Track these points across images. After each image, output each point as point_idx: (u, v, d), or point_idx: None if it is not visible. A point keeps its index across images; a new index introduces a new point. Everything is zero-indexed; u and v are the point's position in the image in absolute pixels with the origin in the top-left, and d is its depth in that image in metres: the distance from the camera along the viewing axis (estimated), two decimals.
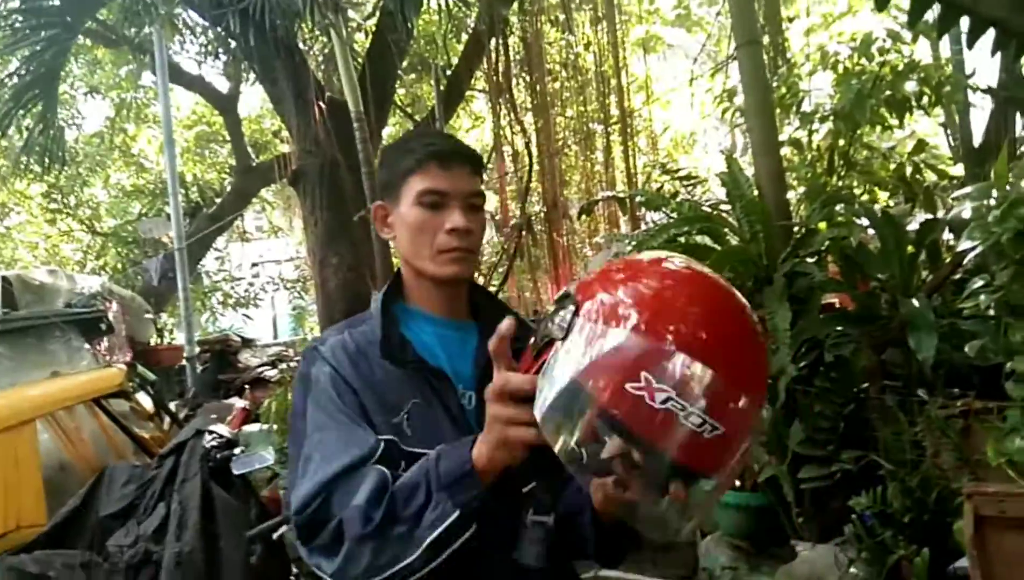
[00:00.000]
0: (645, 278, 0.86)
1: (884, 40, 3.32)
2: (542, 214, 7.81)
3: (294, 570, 3.44)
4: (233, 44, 7.23)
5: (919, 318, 2.46)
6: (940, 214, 3.18)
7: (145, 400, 5.06)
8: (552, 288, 7.35)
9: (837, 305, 3.46)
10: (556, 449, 0.82)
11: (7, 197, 13.03)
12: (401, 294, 1.31)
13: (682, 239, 3.16)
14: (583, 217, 6.50)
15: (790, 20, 5.98)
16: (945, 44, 4.22)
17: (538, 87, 7.98)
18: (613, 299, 0.83)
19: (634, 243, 3.20)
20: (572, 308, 0.85)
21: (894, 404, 2.58)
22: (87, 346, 6.02)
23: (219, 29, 6.89)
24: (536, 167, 7.38)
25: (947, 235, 2.99)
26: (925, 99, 3.28)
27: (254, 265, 14.11)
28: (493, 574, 1.12)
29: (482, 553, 1.06)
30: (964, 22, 2.19)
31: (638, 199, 3.62)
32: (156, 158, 12.82)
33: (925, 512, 2.26)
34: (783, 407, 2.72)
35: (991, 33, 2.15)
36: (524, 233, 7.19)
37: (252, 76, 9.20)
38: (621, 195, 3.98)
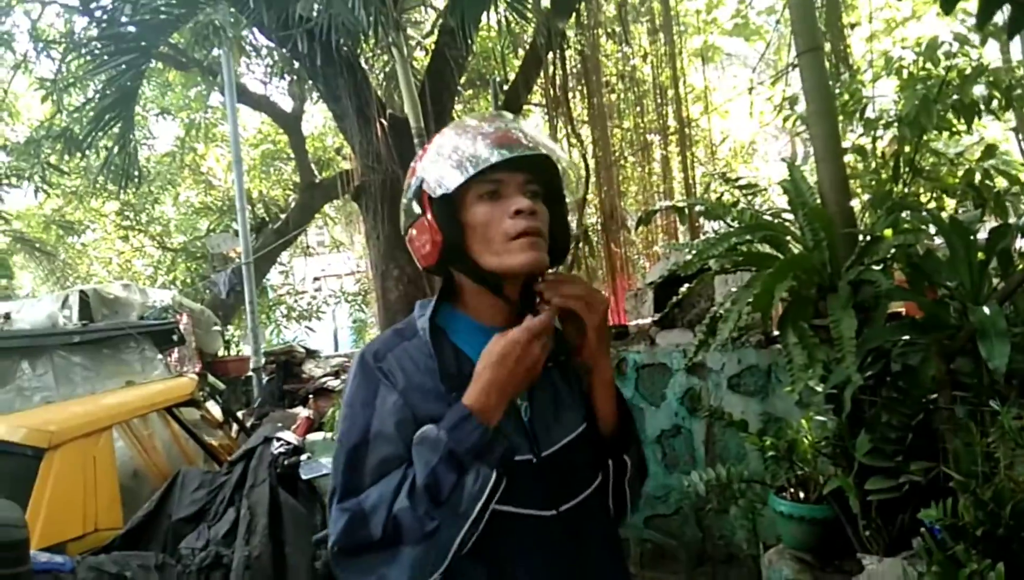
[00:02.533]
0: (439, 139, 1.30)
1: (951, 44, 3.25)
2: (599, 225, 7.81)
3: None
4: (297, 64, 7.42)
5: (990, 326, 2.38)
6: (1012, 220, 3.08)
7: (214, 409, 5.22)
8: (610, 299, 7.33)
9: (904, 314, 3.38)
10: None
11: (84, 215, 13.60)
12: (453, 299, 1.30)
13: (743, 247, 3.13)
14: (641, 227, 6.47)
15: (852, 27, 5.89)
16: (1016, 46, 4.11)
17: (595, 99, 7.99)
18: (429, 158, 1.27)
19: (694, 252, 3.17)
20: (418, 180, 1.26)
21: (964, 414, 2.51)
22: (159, 357, 6.24)
23: (284, 50, 7.08)
24: (593, 179, 7.39)
25: (1019, 242, 2.90)
26: (995, 103, 3.20)
27: (316, 279, 14.41)
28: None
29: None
30: None
31: (698, 208, 3.59)
32: (224, 176, 13.26)
33: (999, 526, 2.19)
34: (849, 417, 2.67)
35: None
36: (581, 244, 7.20)
37: (316, 95, 9.43)
38: (680, 204, 3.94)
